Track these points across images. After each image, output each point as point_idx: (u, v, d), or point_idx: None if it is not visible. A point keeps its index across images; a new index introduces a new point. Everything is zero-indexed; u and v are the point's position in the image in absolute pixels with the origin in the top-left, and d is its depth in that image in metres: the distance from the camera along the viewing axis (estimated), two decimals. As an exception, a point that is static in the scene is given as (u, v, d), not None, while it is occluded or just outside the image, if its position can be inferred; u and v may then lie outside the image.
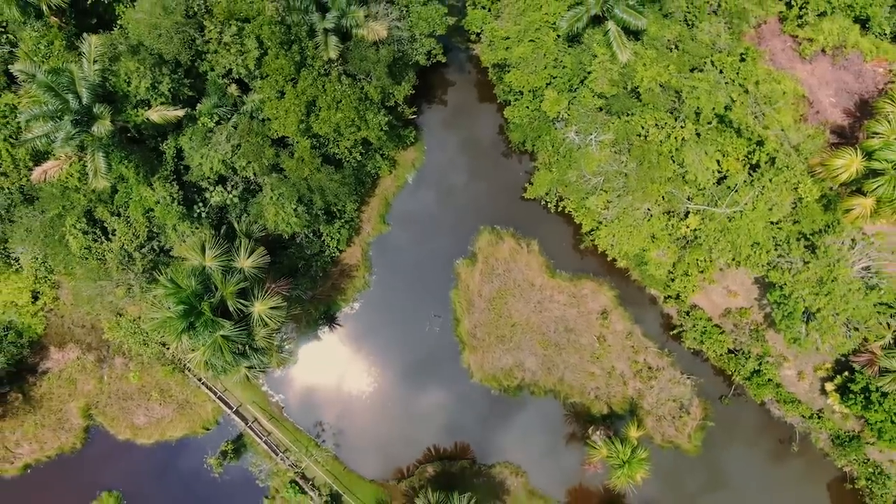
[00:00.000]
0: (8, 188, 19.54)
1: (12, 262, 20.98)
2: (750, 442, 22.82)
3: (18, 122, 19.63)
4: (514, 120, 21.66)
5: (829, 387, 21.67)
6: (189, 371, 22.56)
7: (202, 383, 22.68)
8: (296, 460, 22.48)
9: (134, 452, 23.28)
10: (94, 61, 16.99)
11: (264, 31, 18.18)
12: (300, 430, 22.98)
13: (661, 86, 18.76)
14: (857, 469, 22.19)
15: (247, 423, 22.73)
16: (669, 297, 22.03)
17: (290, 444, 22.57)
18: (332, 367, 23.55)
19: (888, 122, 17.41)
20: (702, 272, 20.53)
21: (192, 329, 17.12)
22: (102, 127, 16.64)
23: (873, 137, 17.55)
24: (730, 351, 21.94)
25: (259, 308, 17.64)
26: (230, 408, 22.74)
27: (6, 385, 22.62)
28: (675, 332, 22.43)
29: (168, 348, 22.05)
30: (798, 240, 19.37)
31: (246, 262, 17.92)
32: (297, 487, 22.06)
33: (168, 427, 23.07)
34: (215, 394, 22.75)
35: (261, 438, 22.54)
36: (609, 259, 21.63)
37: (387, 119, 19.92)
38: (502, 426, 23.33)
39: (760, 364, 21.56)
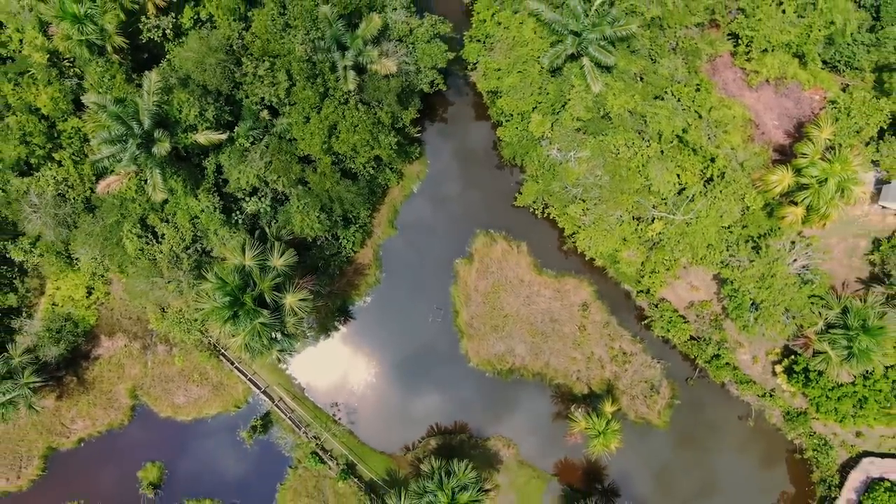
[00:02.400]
0: (73, 198, 22.80)
1: (73, 262, 24.18)
2: (712, 418, 25.81)
3: (82, 143, 22.98)
4: (505, 138, 24.85)
5: (778, 369, 24.80)
6: (223, 356, 25.71)
7: (235, 367, 25.80)
8: (316, 434, 25.54)
9: (174, 428, 26.41)
10: (153, 93, 20.26)
11: (293, 66, 21.45)
12: (319, 409, 26.04)
13: (629, 111, 22.00)
14: (805, 441, 25.23)
15: (273, 402, 25.83)
16: (641, 291, 25.10)
17: (311, 420, 25.62)
18: (346, 354, 26.55)
19: (813, 144, 20.76)
20: (668, 270, 23.70)
21: (235, 318, 20.36)
22: (162, 148, 19.92)
23: (802, 157, 20.93)
24: (692, 338, 24.95)
25: (290, 300, 20.86)
26: (259, 388, 25.87)
27: (63, 369, 25.72)
28: (645, 322, 25.44)
29: (206, 337, 25.33)
30: (746, 242, 22.64)
31: (278, 261, 21.15)
32: (318, 458, 25.11)
33: (204, 406, 26.22)
34: (246, 376, 25.85)
35: (286, 415, 25.63)
36: (588, 258, 24.59)
37: (396, 139, 23.15)
38: (496, 405, 26.27)
39: (719, 349, 24.61)
